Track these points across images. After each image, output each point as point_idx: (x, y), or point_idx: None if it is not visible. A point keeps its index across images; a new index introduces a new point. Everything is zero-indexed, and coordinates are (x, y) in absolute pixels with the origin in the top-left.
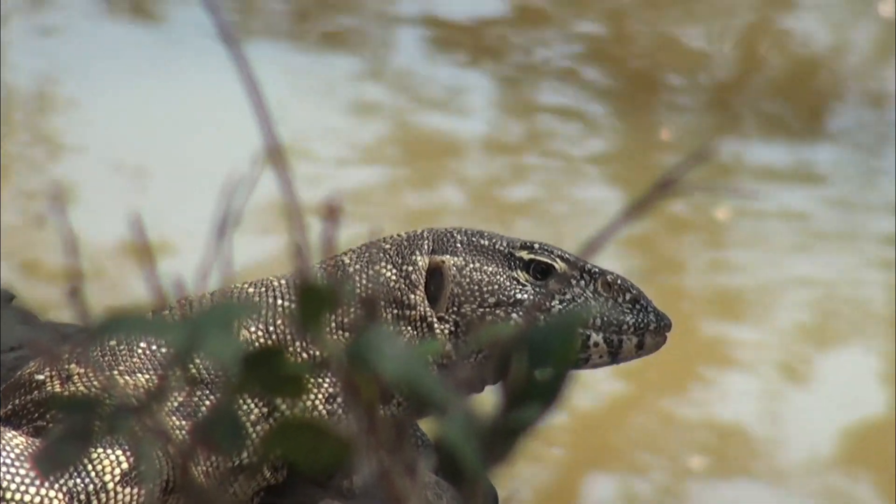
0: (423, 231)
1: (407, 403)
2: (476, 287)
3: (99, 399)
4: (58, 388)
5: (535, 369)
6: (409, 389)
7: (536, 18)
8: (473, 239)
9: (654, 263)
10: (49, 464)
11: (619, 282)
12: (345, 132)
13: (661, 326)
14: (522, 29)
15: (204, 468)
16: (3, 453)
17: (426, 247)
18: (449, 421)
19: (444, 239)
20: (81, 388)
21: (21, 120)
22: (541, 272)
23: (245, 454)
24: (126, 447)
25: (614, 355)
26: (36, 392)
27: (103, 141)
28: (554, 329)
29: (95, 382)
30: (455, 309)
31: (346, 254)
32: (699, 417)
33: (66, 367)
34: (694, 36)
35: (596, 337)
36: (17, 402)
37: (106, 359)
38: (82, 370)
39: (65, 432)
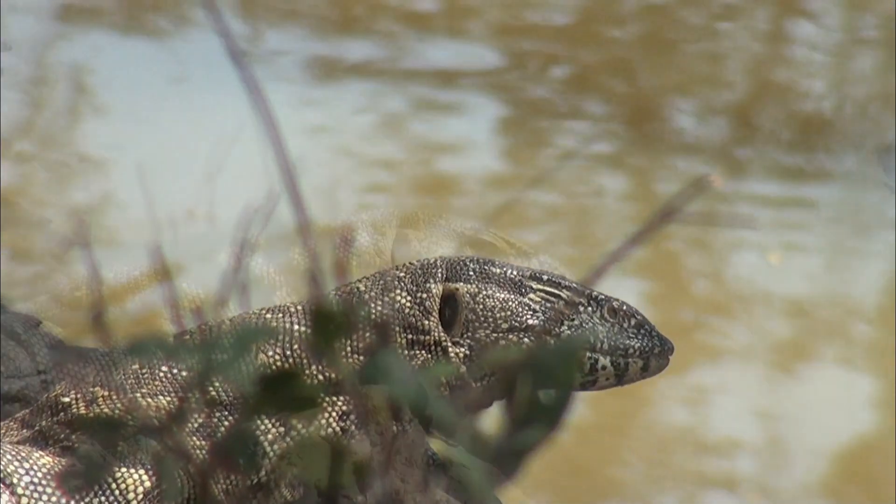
0: (436, 259)
1: (417, 423)
2: (490, 313)
3: (122, 420)
4: (83, 410)
5: (539, 391)
6: (417, 411)
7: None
8: (486, 267)
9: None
10: (74, 482)
11: (624, 308)
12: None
13: (665, 350)
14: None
15: (223, 486)
16: (31, 472)
17: (440, 275)
18: (457, 441)
19: (458, 267)
20: (106, 409)
21: (39, 144)
22: (550, 300)
23: (262, 472)
24: (148, 467)
25: (620, 377)
26: (62, 413)
27: (125, 160)
28: (557, 353)
29: (119, 405)
30: (469, 334)
31: (360, 281)
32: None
33: (91, 389)
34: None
35: (604, 360)
36: (43, 423)
37: (129, 382)
38: (106, 393)
39: (89, 452)
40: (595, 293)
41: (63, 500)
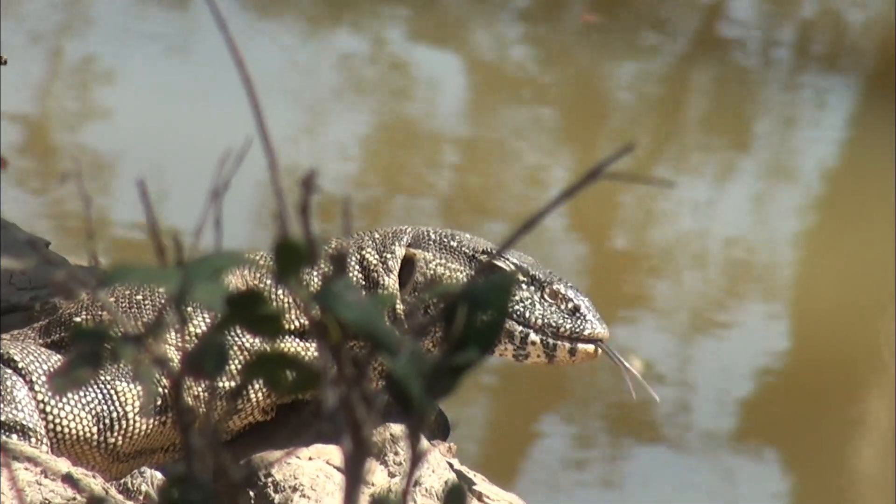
0: (406, 227)
1: (366, 344)
2: (438, 279)
3: (110, 331)
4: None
5: (475, 318)
6: (365, 332)
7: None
8: (445, 239)
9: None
10: (64, 382)
11: (562, 291)
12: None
13: (595, 335)
14: None
15: (195, 392)
16: (49, 372)
17: (405, 240)
18: (398, 360)
19: (421, 235)
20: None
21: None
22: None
23: (230, 381)
24: (146, 384)
25: (550, 356)
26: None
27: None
28: (492, 285)
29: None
30: (417, 295)
31: (346, 237)
32: None
33: (100, 313)
34: None
35: (534, 336)
36: (55, 336)
37: (132, 311)
38: (109, 316)
39: (78, 356)
40: (539, 275)
41: (73, 401)
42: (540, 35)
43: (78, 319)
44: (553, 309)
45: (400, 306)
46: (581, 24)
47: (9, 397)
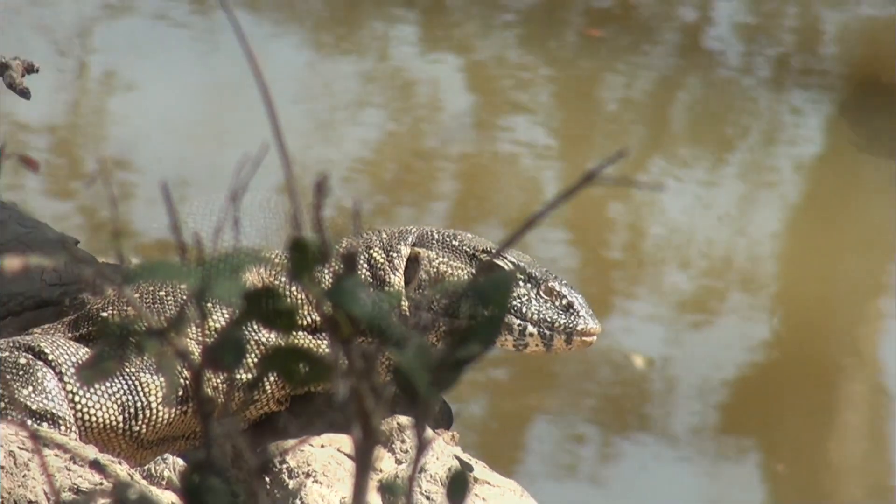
0: (411, 227)
1: (374, 339)
2: (441, 277)
3: (135, 325)
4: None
5: (477, 313)
6: (374, 327)
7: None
8: (447, 239)
9: None
10: (92, 374)
11: (557, 288)
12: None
13: (587, 330)
14: None
15: (215, 384)
16: (74, 361)
17: (410, 240)
18: (405, 354)
19: (425, 235)
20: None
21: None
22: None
23: (247, 373)
24: (169, 376)
25: (547, 347)
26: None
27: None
28: (493, 282)
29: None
30: (422, 292)
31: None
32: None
33: (125, 308)
34: None
35: (531, 329)
36: (83, 330)
37: (155, 307)
38: (134, 311)
39: (105, 349)
40: (535, 273)
41: (99, 391)
42: (541, 47)
43: (105, 314)
44: (548, 305)
45: (405, 302)
46: (582, 37)
47: (39, 388)
